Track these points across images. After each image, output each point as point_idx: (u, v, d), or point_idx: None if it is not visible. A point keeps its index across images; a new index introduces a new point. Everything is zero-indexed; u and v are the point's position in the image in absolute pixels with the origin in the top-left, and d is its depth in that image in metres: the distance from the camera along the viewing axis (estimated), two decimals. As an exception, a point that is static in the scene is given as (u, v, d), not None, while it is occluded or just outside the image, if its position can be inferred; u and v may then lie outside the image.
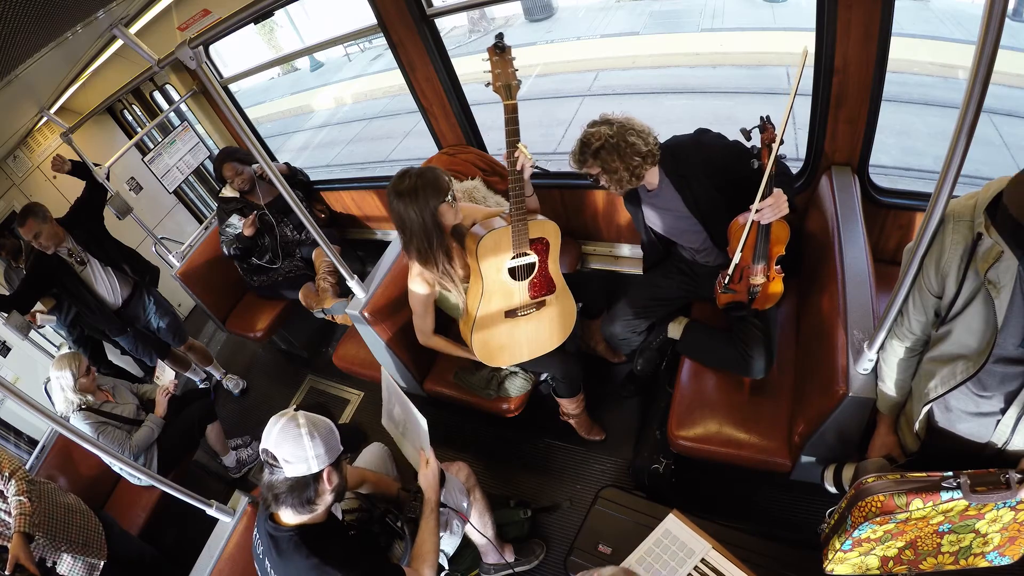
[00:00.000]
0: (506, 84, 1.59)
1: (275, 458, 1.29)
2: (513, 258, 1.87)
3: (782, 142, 1.57)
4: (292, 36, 12.14)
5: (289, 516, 1.36)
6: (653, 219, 2.04)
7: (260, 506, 1.43)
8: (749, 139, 1.62)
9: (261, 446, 1.33)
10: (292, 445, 1.28)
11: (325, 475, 1.32)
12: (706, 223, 1.91)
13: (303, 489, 1.30)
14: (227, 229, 3.05)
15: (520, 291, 1.95)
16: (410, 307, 2.12)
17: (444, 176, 1.82)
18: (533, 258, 1.90)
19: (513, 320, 1.99)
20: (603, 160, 1.79)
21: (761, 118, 1.60)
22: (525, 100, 6.80)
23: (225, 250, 3.11)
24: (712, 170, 1.80)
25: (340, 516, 1.63)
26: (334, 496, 1.38)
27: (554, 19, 9.41)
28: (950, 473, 1.06)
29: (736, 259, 1.76)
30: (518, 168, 1.70)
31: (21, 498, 2.02)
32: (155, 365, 3.30)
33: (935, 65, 5.09)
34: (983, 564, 1.21)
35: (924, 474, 1.09)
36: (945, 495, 1.05)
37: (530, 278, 1.94)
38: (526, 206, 1.79)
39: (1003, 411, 1.15)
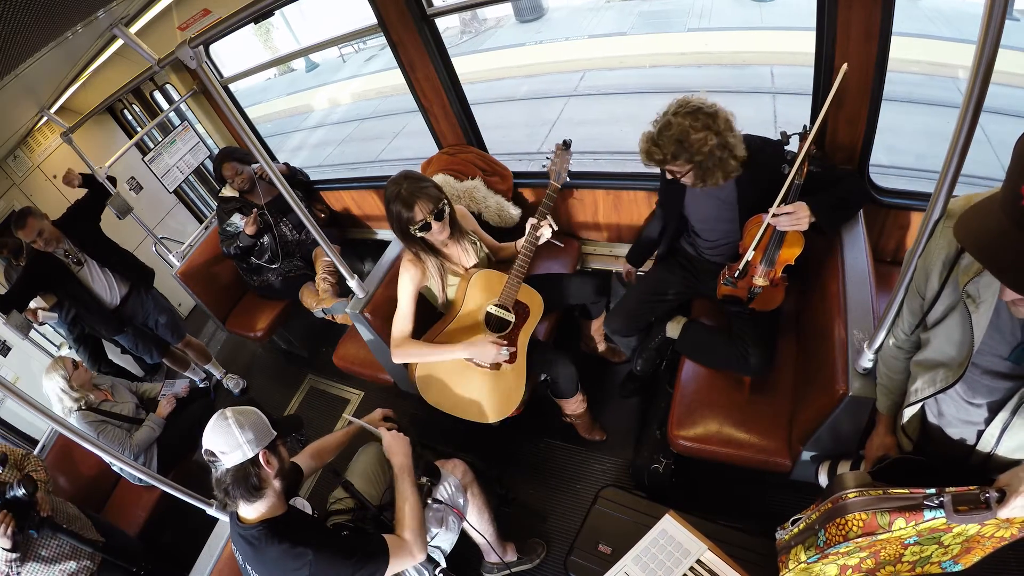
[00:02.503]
0: (559, 171, 1.98)
1: (212, 453, 1.36)
2: (495, 305, 2.00)
3: (810, 155, 1.59)
4: (288, 37, 12.20)
5: (247, 510, 1.41)
6: (693, 205, 1.98)
7: (230, 517, 1.47)
8: (787, 143, 1.63)
9: (202, 450, 1.38)
10: (224, 437, 1.36)
11: (263, 459, 1.38)
12: (745, 220, 1.87)
13: (246, 477, 1.36)
14: (227, 228, 3.05)
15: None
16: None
17: (427, 203, 1.84)
18: (511, 318, 2.02)
19: (466, 365, 2.04)
20: (698, 161, 1.68)
21: (804, 126, 1.60)
22: (511, 100, 6.98)
23: (225, 250, 3.11)
24: (774, 173, 1.75)
25: (310, 511, 1.66)
26: (282, 481, 1.43)
27: (544, 20, 9.41)
28: (933, 491, 1.02)
29: (748, 256, 1.77)
30: (537, 235, 1.96)
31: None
32: (155, 362, 3.31)
33: (920, 63, 5.10)
34: (936, 572, 1.19)
35: (907, 491, 1.04)
36: (928, 514, 1.01)
37: (500, 335, 2.02)
38: (527, 266, 1.98)
39: (987, 421, 1.14)
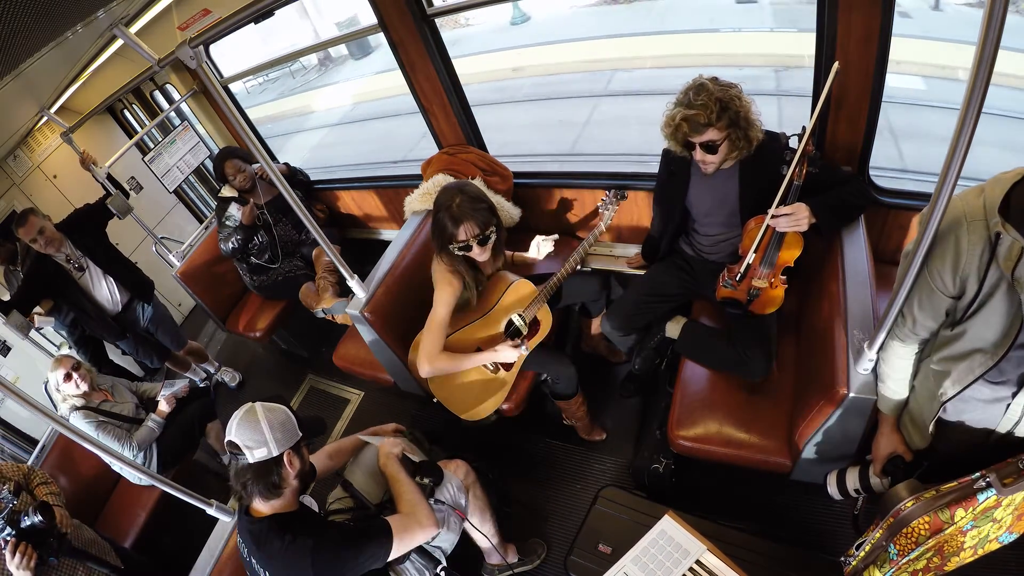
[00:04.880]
0: (608, 215, 2.15)
1: (238, 446, 1.36)
2: (519, 315, 2.08)
3: (808, 156, 1.59)
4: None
5: (261, 504, 1.42)
6: (696, 196, 1.98)
7: (237, 510, 1.48)
8: (787, 145, 1.64)
9: (225, 440, 1.39)
10: (251, 431, 1.36)
11: (286, 459, 1.39)
12: (746, 215, 1.87)
13: (268, 474, 1.37)
14: (227, 223, 3.03)
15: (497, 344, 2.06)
16: (409, 307, 2.12)
17: (474, 226, 1.84)
18: (525, 330, 2.09)
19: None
20: (737, 122, 1.67)
21: (804, 127, 1.60)
22: (326, 127, 8.87)
23: (224, 247, 3.08)
24: (775, 169, 1.74)
25: (317, 509, 1.68)
26: (300, 482, 1.45)
27: (370, 57, 11.04)
28: (978, 474, 1.07)
29: (749, 259, 1.77)
30: (576, 260, 2.08)
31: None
32: (156, 367, 3.31)
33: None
34: (996, 547, 1.23)
35: (956, 483, 1.10)
36: (981, 496, 1.06)
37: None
38: (556, 289, 2.08)
39: (1014, 395, 1.17)
